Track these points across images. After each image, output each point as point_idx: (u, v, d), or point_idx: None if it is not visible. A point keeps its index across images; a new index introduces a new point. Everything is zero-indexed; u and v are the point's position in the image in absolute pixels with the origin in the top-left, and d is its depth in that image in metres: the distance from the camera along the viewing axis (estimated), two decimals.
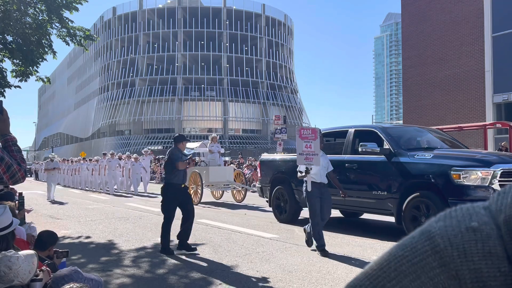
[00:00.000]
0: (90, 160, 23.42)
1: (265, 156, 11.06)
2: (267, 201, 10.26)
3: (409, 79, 23.31)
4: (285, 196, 9.38)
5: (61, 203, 14.87)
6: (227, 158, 19.08)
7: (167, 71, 64.53)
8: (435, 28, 21.66)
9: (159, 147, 55.95)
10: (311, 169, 6.20)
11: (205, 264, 5.81)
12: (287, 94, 68.75)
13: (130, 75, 65.57)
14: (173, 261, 6.04)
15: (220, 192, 14.86)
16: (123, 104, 64.76)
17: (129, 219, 10.44)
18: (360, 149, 7.45)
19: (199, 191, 13.47)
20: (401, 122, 44.10)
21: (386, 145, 7.38)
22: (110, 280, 5.12)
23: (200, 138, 61.27)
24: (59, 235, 4.49)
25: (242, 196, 14.15)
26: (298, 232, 8.06)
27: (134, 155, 19.97)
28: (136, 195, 17.95)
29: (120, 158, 20.23)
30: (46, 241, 3.71)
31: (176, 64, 64.57)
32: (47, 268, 2.73)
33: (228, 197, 15.20)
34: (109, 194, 18.79)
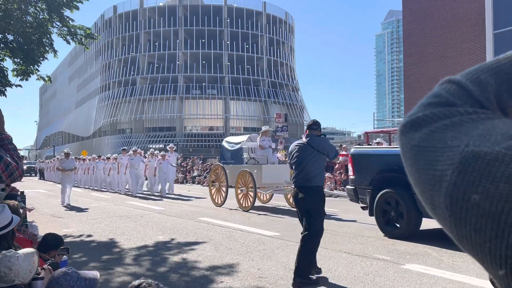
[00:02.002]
0: (108, 158, 21.31)
1: (361, 148, 8.76)
2: (362, 207, 8.21)
3: (410, 76, 23.28)
4: (397, 203, 7.23)
5: (80, 210, 12.64)
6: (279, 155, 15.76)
7: (168, 69, 64.52)
8: (436, 25, 21.61)
9: (160, 146, 55.99)
10: None
11: (206, 262, 5.82)
12: (288, 92, 68.70)
13: (131, 74, 65.60)
14: (174, 259, 6.05)
15: (268, 194, 12.40)
16: (124, 103, 64.81)
17: (130, 218, 10.46)
18: None
19: (251, 195, 11.27)
20: (402, 120, 43.86)
21: None
22: (111, 279, 5.14)
23: (201, 136, 61.53)
24: (60, 234, 4.49)
25: None
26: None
27: (162, 152, 18.49)
28: (165, 197, 16.20)
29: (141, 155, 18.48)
30: (49, 244, 3.71)
31: (177, 62, 64.54)
32: (49, 267, 2.74)
33: (278, 200, 13.10)
34: (129, 194, 17.55)
